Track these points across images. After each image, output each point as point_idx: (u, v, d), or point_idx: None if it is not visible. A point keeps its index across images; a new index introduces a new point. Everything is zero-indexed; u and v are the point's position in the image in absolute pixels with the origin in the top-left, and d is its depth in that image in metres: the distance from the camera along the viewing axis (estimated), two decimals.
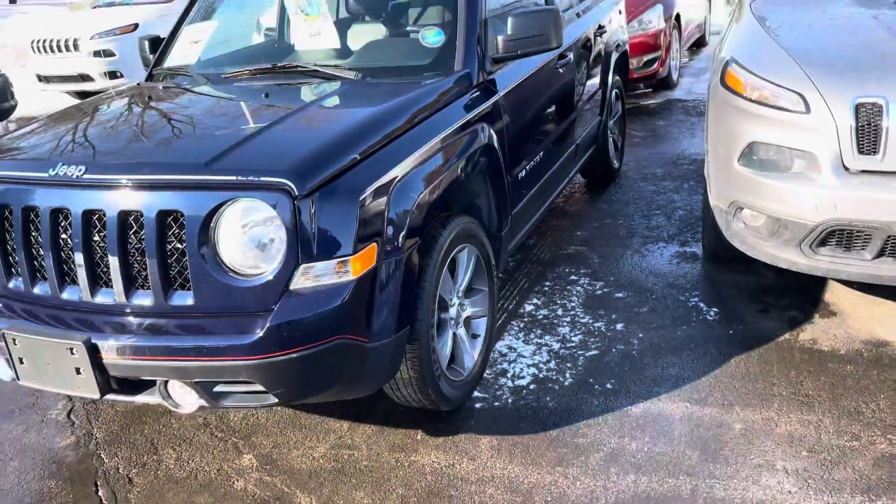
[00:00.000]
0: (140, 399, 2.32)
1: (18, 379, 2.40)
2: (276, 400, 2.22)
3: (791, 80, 2.89)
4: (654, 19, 7.52)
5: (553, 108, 3.82)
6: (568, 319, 3.45)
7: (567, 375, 3.02)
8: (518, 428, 2.74)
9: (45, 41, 9.85)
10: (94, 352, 2.20)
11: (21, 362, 2.35)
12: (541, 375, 3.04)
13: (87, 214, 2.26)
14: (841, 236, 2.85)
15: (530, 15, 3.07)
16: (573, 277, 3.87)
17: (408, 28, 3.50)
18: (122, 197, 2.22)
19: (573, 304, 3.59)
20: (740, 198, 3.10)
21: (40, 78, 10.12)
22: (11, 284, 2.48)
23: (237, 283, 2.18)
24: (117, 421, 3.00)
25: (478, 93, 3.00)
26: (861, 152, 2.71)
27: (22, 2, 23.49)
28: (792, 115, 2.85)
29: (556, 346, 3.24)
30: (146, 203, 2.19)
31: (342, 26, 3.41)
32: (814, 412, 2.67)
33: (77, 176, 2.28)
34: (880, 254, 2.80)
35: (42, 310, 2.40)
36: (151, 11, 10.29)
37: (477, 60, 3.03)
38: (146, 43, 3.72)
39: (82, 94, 10.81)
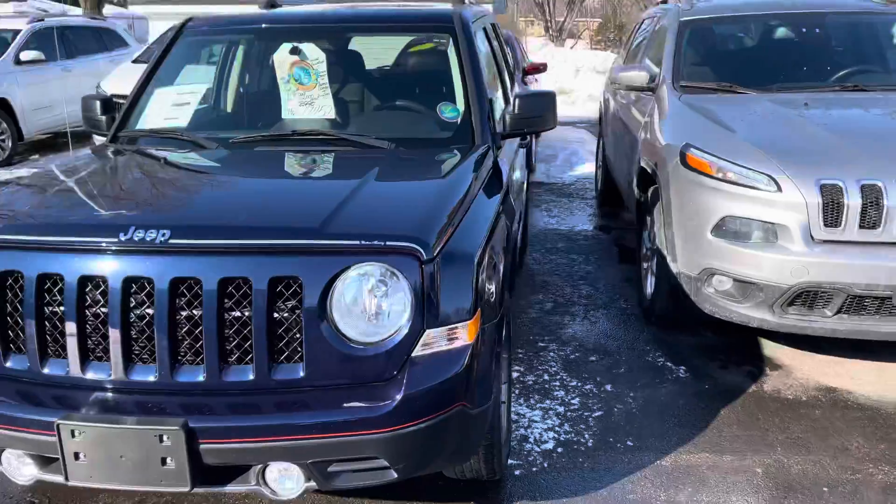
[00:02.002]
0: (230, 488, 2.08)
1: (67, 479, 2.04)
2: (396, 475, 2.10)
3: (759, 164, 3.36)
4: None
5: (519, 183, 4.04)
6: (558, 384, 3.58)
7: (586, 436, 3.13)
8: (567, 490, 2.79)
9: None
10: (191, 437, 1.95)
11: (77, 458, 2.01)
12: (562, 438, 3.12)
13: (175, 284, 2.04)
14: (806, 297, 3.30)
15: (533, 97, 3.28)
16: (541, 344, 4.03)
17: (398, 102, 3.55)
18: (224, 264, 2.04)
19: (555, 369, 3.73)
20: (713, 265, 3.48)
21: None
22: (48, 370, 2.13)
23: (357, 352, 2.08)
24: None
25: (494, 167, 3.13)
26: (826, 225, 3.20)
27: None
28: (764, 194, 3.30)
29: (560, 409, 3.35)
30: (255, 270, 2.03)
31: (339, 96, 3.38)
32: (812, 453, 3.02)
33: (161, 241, 2.06)
34: (839, 311, 3.29)
35: (98, 395, 2.09)
36: None
37: (491, 136, 3.17)
38: (97, 103, 3.42)
39: None
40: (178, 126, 3.16)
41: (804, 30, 4.86)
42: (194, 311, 2.06)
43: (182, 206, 2.34)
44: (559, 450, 3.04)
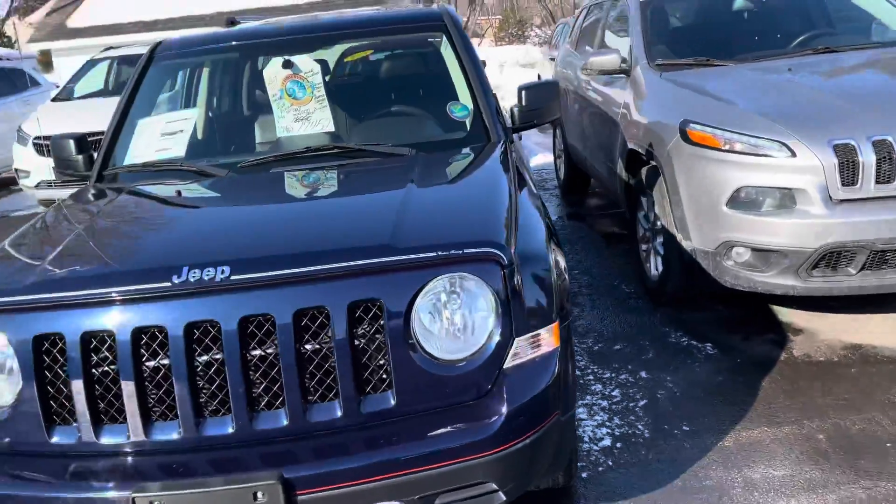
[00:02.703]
0: None
1: None
2: (504, 498, 1.96)
3: (768, 132, 3.36)
4: None
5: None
6: (592, 377, 3.50)
7: (640, 427, 3.06)
8: (640, 486, 2.70)
9: None
10: (289, 489, 1.77)
11: None
12: (616, 433, 3.03)
13: (244, 323, 1.85)
14: (830, 258, 3.32)
15: (539, 88, 3.17)
16: None
17: (398, 107, 3.39)
18: (297, 294, 1.86)
19: (584, 363, 3.65)
20: (732, 237, 3.46)
21: None
22: (105, 439, 1.90)
23: (447, 371, 1.93)
24: None
25: (515, 162, 3.02)
26: (843, 184, 3.22)
27: None
28: (778, 160, 3.30)
29: (604, 403, 3.26)
30: (332, 297, 1.86)
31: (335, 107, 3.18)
32: (863, 411, 3.02)
33: (222, 279, 1.86)
34: (862, 268, 3.31)
35: (170, 459, 1.87)
36: None
37: (503, 131, 3.06)
38: (71, 143, 3.15)
39: None
40: (174, 157, 2.92)
41: None
42: (268, 350, 1.87)
43: (231, 239, 2.13)
44: (618, 445, 2.95)
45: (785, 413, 3.06)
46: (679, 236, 3.80)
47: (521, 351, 1.99)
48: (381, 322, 1.88)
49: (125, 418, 1.90)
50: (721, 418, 3.07)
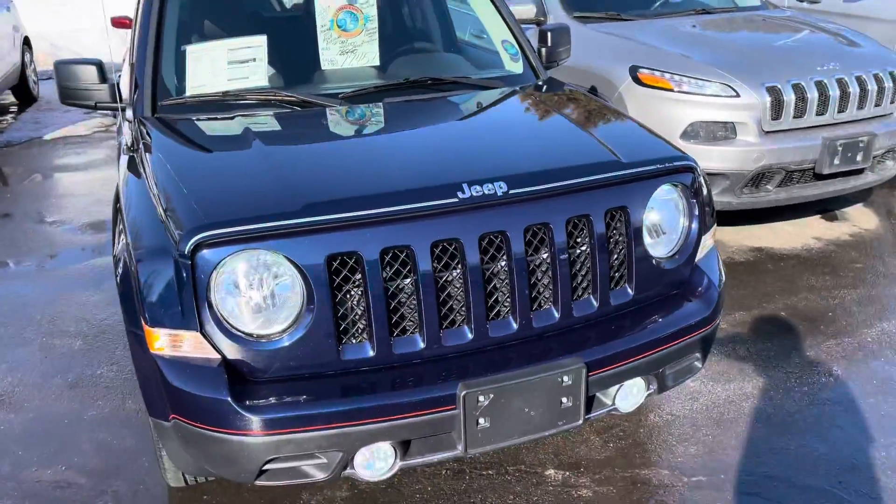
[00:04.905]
0: (593, 415, 2.18)
1: (466, 451, 1.97)
2: (700, 367, 2.39)
3: (715, 76, 4.09)
4: None
5: None
6: None
7: None
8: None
9: None
10: (587, 372, 2.03)
11: (477, 424, 1.95)
12: None
13: (524, 232, 2.04)
14: (757, 178, 4.18)
15: (560, 30, 3.51)
16: None
17: (428, 44, 3.51)
18: (568, 204, 2.09)
19: None
20: None
21: None
22: (400, 349, 1.98)
23: (665, 264, 2.30)
24: None
25: None
26: (772, 119, 4.07)
27: None
28: (725, 100, 4.05)
29: None
30: (594, 205, 2.12)
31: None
32: (795, 293, 3.93)
33: (502, 193, 2.02)
34: (778, 185, 4.23)
35: (472, 358, 2.04)
36: None
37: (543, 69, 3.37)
38: (92, 69, 2.82)
39: None
40: (259, 86, 2.78)
41: None
42: (543, 256, 2.08)
43: (483, 157, 2.23)
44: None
45: (748, 300, 3.87)
46: None
47: (706, 245, 2.43)
48: (626, 226, 2.18)
49: (414, 329, 1.99)
50: None
